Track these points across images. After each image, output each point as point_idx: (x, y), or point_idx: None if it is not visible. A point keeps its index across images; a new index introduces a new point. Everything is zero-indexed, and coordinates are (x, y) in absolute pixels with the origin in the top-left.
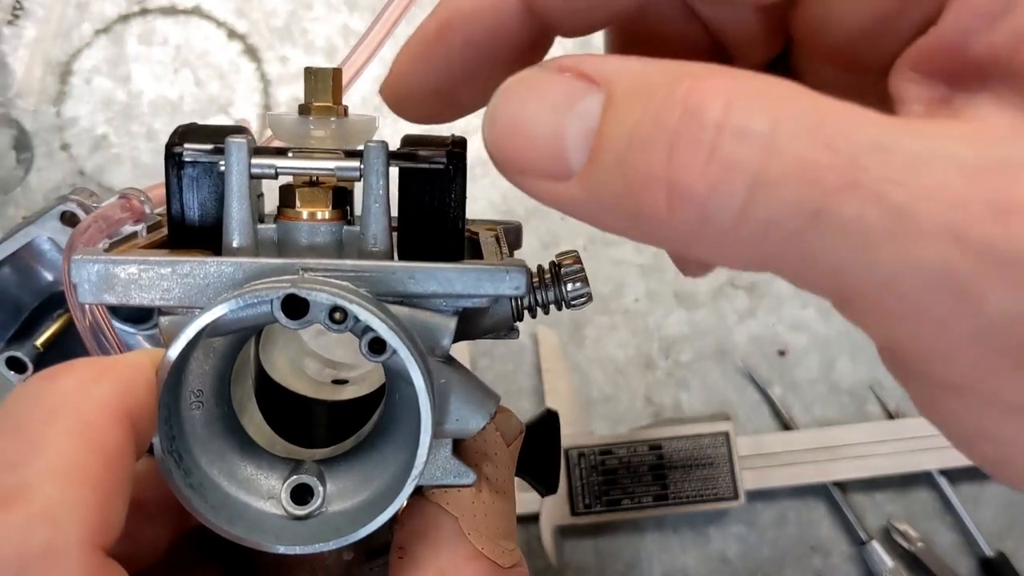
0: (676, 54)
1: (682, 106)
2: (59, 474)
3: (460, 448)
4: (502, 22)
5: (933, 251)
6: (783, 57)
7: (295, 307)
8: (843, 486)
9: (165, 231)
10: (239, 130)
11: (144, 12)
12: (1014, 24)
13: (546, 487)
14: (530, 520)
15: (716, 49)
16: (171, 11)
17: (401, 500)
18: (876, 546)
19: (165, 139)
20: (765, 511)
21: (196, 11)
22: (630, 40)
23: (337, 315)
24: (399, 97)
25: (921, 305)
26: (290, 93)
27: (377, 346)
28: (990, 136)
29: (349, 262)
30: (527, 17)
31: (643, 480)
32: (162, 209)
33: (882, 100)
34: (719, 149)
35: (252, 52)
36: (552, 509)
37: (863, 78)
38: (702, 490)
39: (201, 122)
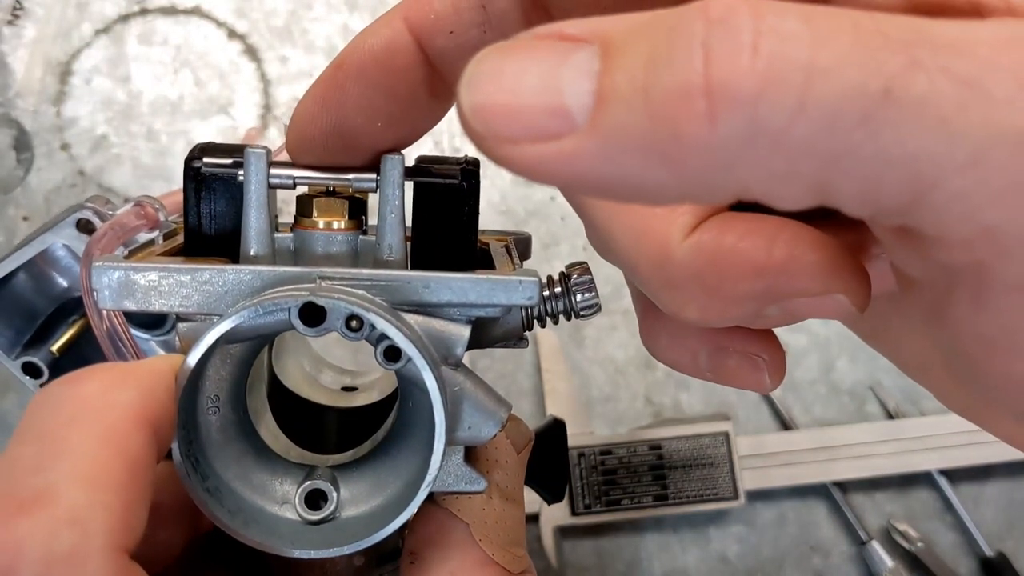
0: None
1: (703, 19)
2: (84, 478)
3: (471, 455)
4: (396, 61)
5: (1020, 114)
6: None
7: (313, 315)
8: (843, 486)
9: (181, 238)
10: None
11: (144, 12)
12: None
13: (552, 495)
14: (530, 520)
15: None
16: (171, 11)
17: (414, 506)
18: (876, 546)
19: (165, 139)
20: (765, 511)
21: (196, 11)
22: None
23: (354, 323)
24: (300, 139)
25: (1014, 176)
26: (290, 93)
27: (392, 354)
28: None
29: (366, 271)
30: (422, 57)
31: (643, 480)
32: (176, 216)
33: None
34: (761, 46)
35: (252, 52)
36: (552, 509)
37: None
38: (702, 490)
39: (202, 124)
